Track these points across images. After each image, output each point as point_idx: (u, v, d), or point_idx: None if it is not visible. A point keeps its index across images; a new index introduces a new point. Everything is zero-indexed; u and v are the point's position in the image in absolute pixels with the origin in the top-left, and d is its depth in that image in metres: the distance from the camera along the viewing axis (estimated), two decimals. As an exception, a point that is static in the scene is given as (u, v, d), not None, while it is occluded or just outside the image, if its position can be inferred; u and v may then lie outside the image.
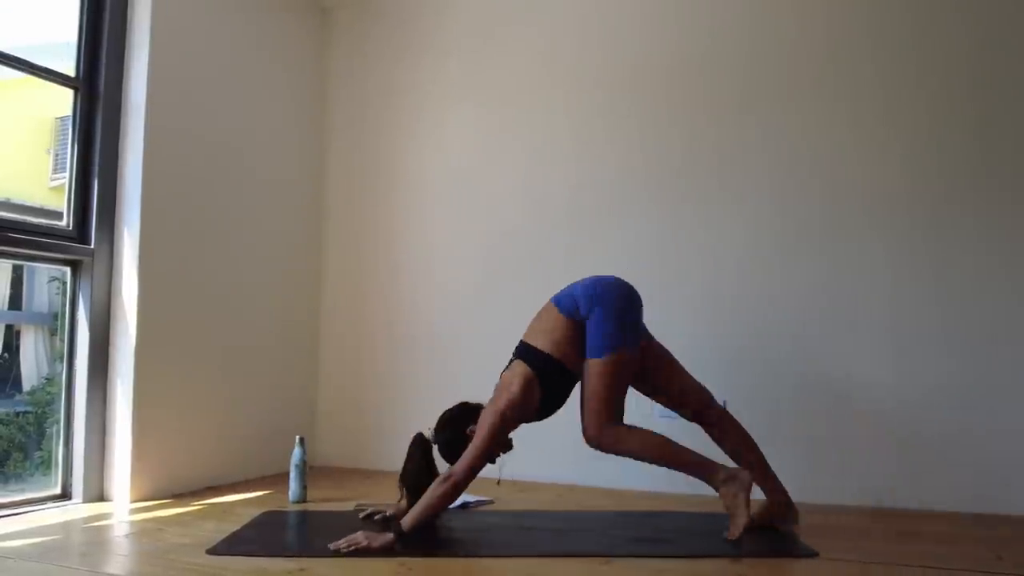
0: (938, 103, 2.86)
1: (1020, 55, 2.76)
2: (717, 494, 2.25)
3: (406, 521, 2.14)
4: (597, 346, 2.27)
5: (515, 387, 2.27)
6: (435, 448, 2.41)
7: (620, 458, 2.35)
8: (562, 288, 2.42)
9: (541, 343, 2.32)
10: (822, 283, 2.94)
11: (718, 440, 2.44)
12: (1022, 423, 2.66)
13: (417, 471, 2.37)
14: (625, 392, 2.34)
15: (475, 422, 2.32)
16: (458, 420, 2.38)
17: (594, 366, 2.27)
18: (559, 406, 2.38)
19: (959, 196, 2.81)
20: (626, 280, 2.40)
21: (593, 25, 3.40)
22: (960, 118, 2.83)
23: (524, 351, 2.35)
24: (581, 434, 2.31)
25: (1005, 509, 2.62)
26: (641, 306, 2.39)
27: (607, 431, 2.26)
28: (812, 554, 2.06)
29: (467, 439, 2.29)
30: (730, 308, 3.06)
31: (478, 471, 2.22)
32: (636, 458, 2.29)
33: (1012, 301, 2.71)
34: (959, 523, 2.50)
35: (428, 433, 2.42)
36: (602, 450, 2.29)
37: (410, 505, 2.29)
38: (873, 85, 2.94)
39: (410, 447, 2.42)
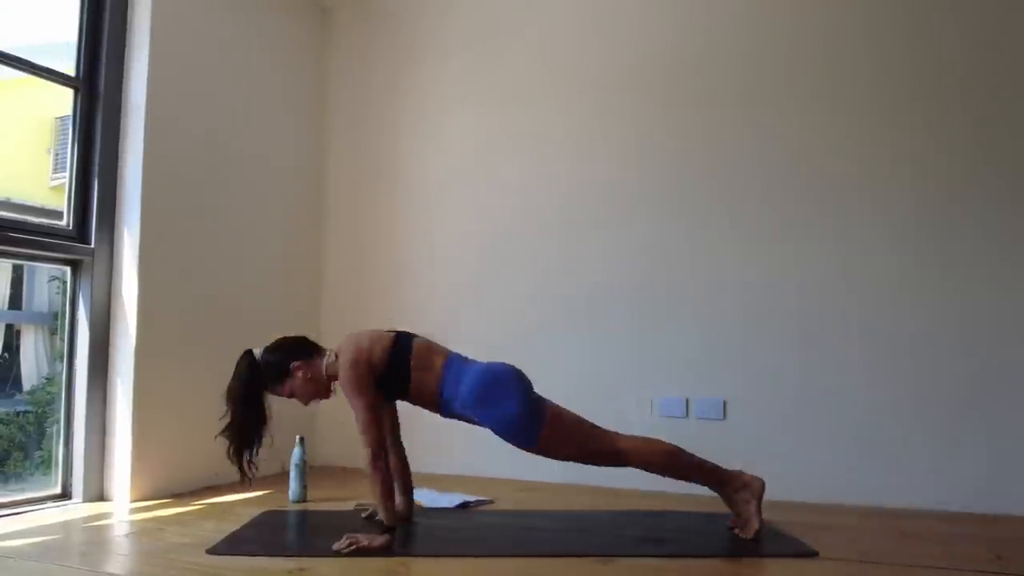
0: (936, 101, 2.85)
1: (1019, 52, 2.76)
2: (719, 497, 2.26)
3: (384, 516, 2.10)
4: (525, 437, 2.20)
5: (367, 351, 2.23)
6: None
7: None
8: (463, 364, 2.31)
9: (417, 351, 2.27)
10: (822, 283, 2.94)
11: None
12: (1022, 422, 2.66)
13: (242, 384, 2.25)
14: (580, 422, 2.26)
15: (304, 361, 2.28)
16: (289, 351, 2.31)
17: (544, 442, 2.21)
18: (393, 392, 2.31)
19: (960, 195, 2.81)
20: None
21: (592, 26, 3.40)
22: (959, 115, 2.82)
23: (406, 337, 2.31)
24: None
25: (1005, 509, 2.62)
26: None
27: (620, 442, 2.22)
28: (812, 554, 2.06)
29: (286, 370, 2.26)
30: (729, 308, 3.06)
31: (371, 425, 2.15)
32: (647, 469, 2.26)
33: (1013, 300, 2.71)
34: (959, 523, 2.50)
35: (258, 352, 2.32)
36: (619, 462, 2.25)
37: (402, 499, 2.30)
38: (871, 84, 2.94)
39: (238, 362, 2.31)
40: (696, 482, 2.28)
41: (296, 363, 2.29)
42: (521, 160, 3.47)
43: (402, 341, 2.29)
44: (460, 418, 2.30)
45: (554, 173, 3.40)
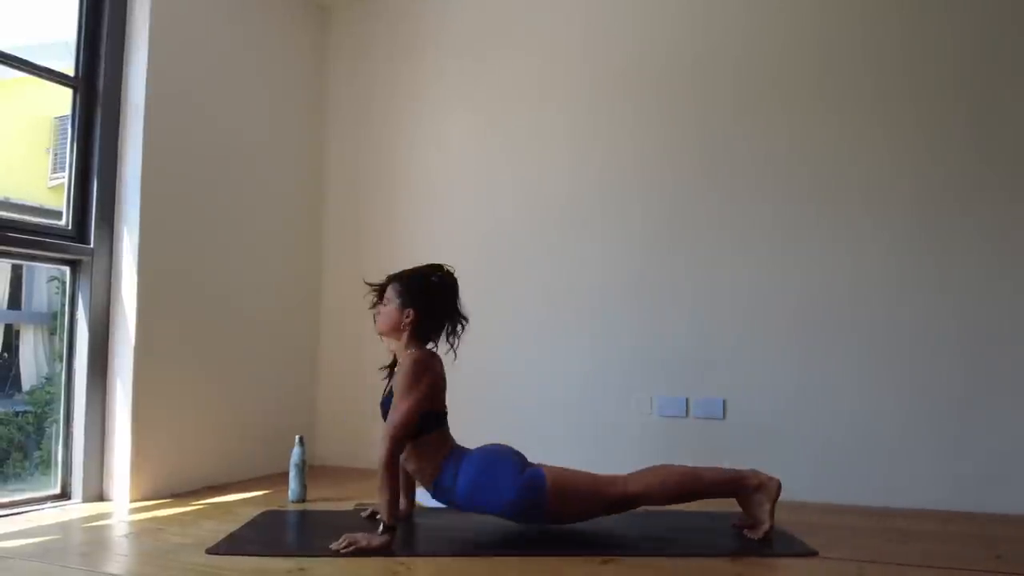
0: (935, 101, 2.86)
1: (1018, 51, 2.76)
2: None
3: (384, 514, 2.08)
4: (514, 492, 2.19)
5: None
6: None
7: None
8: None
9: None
10: (821, 283, 2.94)
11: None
12: (1022, 422, 2.66)
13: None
14: (584, 481, 2.22)
15: (421, 318, 2.32)
16: (429, 302, 2.36)
17: (552, 513, 2.19)
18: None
19: (958, 195, 2.81)
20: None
21: (593, 25, 3.40)
22: (957, 116, 2.83)
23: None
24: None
25: (1005, 509, 2.62)
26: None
27: (630, 485, 2.20)
28: (811, 553, 2.06)
29: (413, 301, 2.32)
30: (727, 308, 3.06)
31: (407, 425, 2.17)
32: (667, 500, 2.22)
33: (1012, 301, 2.71)
34: (958, 522, 2.50)
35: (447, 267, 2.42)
36: (635, 505, 2.22)
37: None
38: (868, 84, 2.94)
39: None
40: (716, 496, 2.25)
41: (415, 308, 2.30)
42: (520, 159, 3.47)
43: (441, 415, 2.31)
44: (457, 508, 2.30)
45: (553, 173, 3.40)
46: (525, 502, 2.17)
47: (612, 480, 2.21)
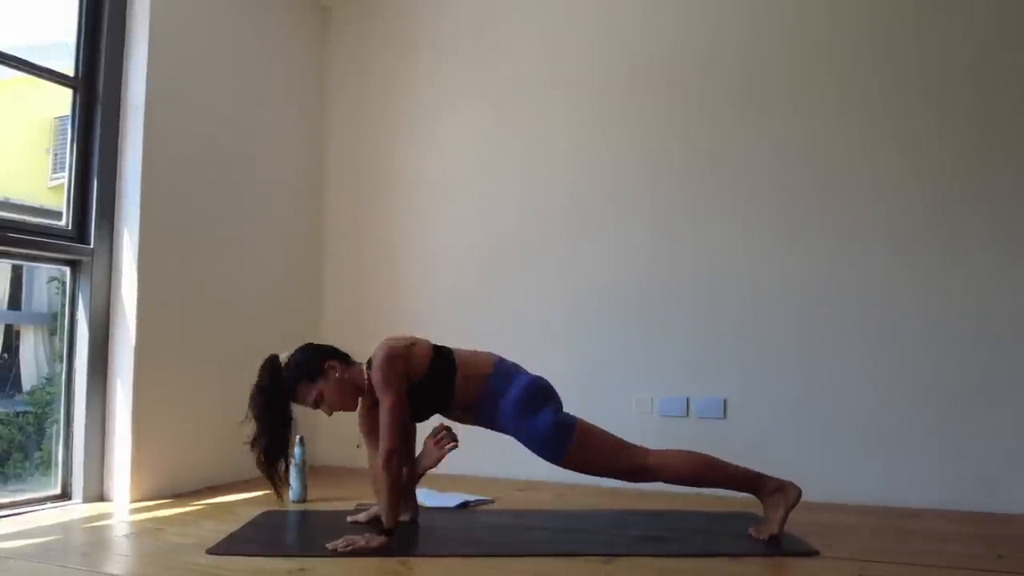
0: (940, 99, 2.85)
1: (1021, 48, 2.76)
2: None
3: (385, 518, 2.07)
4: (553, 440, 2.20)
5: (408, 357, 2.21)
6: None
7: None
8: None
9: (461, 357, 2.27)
10: (822, 283, 2.94)
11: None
12: (1022, 422, 2.66)
13: (266, 390, 2.17)
14: (609, 439, 2.24)
15: (338, 362, 2.23)
16: (321, 351, 2.28)
17: (571, 456, 2.21)
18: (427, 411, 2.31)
19: (962, 194, 2.80)
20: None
21: (592, 23, 3.40)
22: (963, 114, 2.82)
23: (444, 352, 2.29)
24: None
25: (1005, 508, 2.62)
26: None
27: (650, 458, 2.21)
28: (812, 553, 2.05)
29: (319, 368, 2.20)
30: (729, 307, 3.06)
31: (395, 423, 2.13)
32: (680, 481, 2.24)
33: (1014, 299, 2.71)
34: (959, 521, 2.49)
35: (283, 357, 2.25)
36: (648, 478, 2.23)
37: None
38: (874, 82, 2.93)
39: (261, 366, 2.23)
40: (733, 489, 2.26)
41: (331, 362, 2.23)
42: (521, 159, 3.46)
43: (443, 352, 2.28)
44: (492, 427, 2.29)
45: (554, 172, 3.40)
46: (552, 440, 2.19)
47: (635, 448, 2.22)
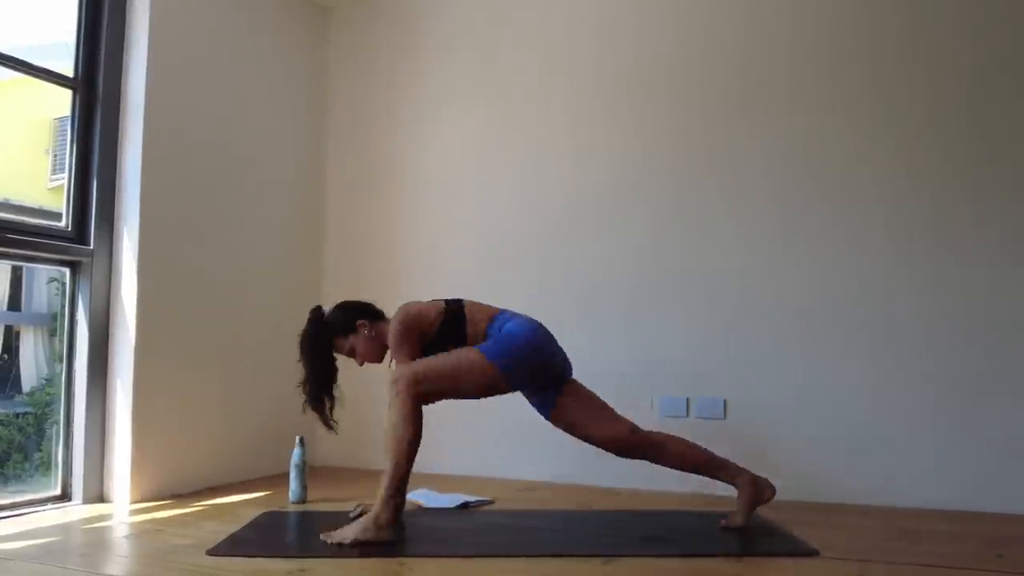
0: (938, 99, 2.85)
1: (1020, 50, 2.76)
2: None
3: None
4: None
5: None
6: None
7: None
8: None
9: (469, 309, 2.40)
10: (822, 283, 2.94)
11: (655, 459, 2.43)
12: (1022, 422, 2.66)
13: (311, 336, 2.39)
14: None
15: (369, 320, 2.42)
16: (355, 309, 2.46)
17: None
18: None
19: (961, 195, 2.80)
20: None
21: (593, 25, 3.39)
22: (960, 114, 2.82)
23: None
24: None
25: (1005, 508, 2.62)
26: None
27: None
28: (812, 553, 2.06)
29: (352, 324, 2.40)
30: (729, 307, 3.06)
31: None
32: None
33: (1013, 299, 2.71)
34: (959, 521, 2.50)
35: (326, 310, 2.47)
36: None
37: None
38: (871, 84, 2.93)
39: (309, 318, 2.43)
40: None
41: (362, 320, 2.42)
42: (521, 158, 3.46)
43: (452, 306, 2.40)
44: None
45: (554, 171, 3.40)
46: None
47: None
